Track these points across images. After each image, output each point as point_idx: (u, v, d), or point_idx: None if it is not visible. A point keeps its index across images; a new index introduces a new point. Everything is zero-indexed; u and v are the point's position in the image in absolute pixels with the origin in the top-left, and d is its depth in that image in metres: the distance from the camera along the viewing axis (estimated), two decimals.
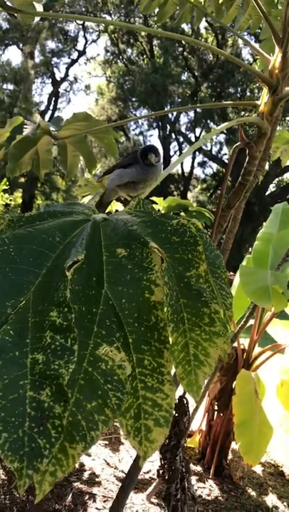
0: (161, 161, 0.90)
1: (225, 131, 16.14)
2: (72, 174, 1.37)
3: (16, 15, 0.90)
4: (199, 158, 16.60)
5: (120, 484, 2.17)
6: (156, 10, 1.92)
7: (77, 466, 2.18)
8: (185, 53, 15.67)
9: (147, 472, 2.27)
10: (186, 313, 0.46)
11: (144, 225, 0.53)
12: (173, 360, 0.44)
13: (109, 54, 16.89)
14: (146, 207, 0.60)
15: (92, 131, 1.18)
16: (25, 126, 1.09)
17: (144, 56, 16.41)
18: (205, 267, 0.50)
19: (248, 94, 15.62)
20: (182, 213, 2.76)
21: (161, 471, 1.11)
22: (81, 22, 15.27)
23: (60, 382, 0.36)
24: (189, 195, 16.47)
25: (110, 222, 0.53)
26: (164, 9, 1.92)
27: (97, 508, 1.90)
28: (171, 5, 1.92)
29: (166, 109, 15.67)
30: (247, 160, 0.99)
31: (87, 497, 1.99)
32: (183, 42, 15.50)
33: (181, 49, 15.68)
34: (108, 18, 15.15)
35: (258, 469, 2.49)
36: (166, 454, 1.11)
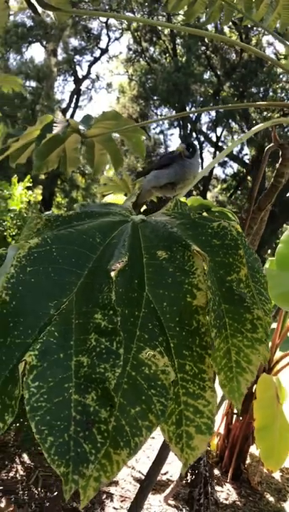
0: (199, 159, 0.88)
1: (246, 131, 16.00)
2: (99, 172, 1.37)
3: (50, 13, 0.90)
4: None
5: (137, 484, 2.17)
6: (184, 9, 1.91)
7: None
8: (208, 52, 15.58)
9: (165, 473, 2.26)
10: (228, 319, 0.46)
11: (184, 227, 0.52)
12: (215, 367, 0.43)
13: (131, 52, 16.89)
14: (184, 208, 0.59)
15: (121, 130, 1.18)
16: (55, 125, 1.09)
17: (167, 55, 16.36)
18: (246, 271, 0.49)
19: (271, 94, 15.46)
20: (204, 213, 2.74)
21: (184, 475, 1.10)
22: (104, 20, 15.31)
23: (107, 387, 0.35)
24: (209, 195, 16.39)
25: (149, 224, 0.53)
26: (193, 8, 1.90)
27: (114, 508, 1.90)
28: (201, 4, 1.90)
29: (187, 108, 15.62)
30: (280, 162, 0.97)
31: (104, 496, 2.00)
32: (206, 40, 15.42)
33: (204, 48, 15.59)
34: (131, 15, 15.14)
35: (276, 475, 2.46)
36: None
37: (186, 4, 1.92)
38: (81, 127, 1.11)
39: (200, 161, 0.89)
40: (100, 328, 0.39)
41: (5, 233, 2.42)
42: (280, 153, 0.95)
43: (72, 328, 0.40)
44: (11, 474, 2.04)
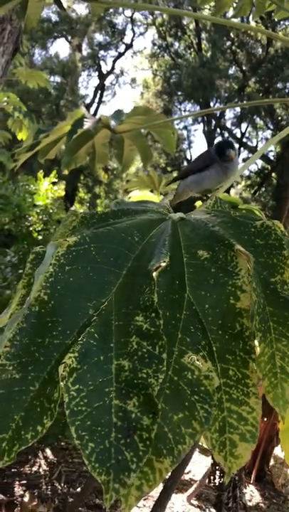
0: (239, 162, 0.84)
1: (272, 127, 15.78)
2: (128, 168, 1.36)
3: (76, 8, 0.88)
4: (244, 154, 16.32)
5: (161, 483, 2.16)
6: (213, 3, 1.87)
7: None
8: (233, 47, 15.39)
9: (187, 473, 2.25)
10: (273, 323, 0.44)
11: (225, 225, 0.50)
12: (259, 372, 0.41)
13: (156, 47, 16.80)
14: (224, 206, 0.57)
15: (152, 125, 1.16)
16: (85, 120, 1.08)
17: (192, 50, 16.23)
18: None
19: None
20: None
21: (212, 477, 1.09)
22: (129, 15, 15.26)
23: (150, 393, 0.34)
24: (232, 191, 16.24)
25: (189, 222, 0.51)
26: (223, 1, 1.87)
27: (137, 506, 1.90)
28: None
29: (211, 103, 15.48)
30: None
31: None
32: (232, 35, 15.24)
33: (229, 43, 15.42)
34: (156, 11, 15.06)
35: None
36: None
37: None
38: (112, 122, 1.09)
39: (239, 162, 0.84)
40: (142, 330, 0.37)
41: (30, 228, 2.43)
42: None
43: (112, 330, 0.38)
44: (34, 469, 2.06)
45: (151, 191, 2.33)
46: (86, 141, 1.19)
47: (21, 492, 1.84)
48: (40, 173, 2.74)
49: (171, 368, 0.38)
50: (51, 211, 2.55)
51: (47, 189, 2.71)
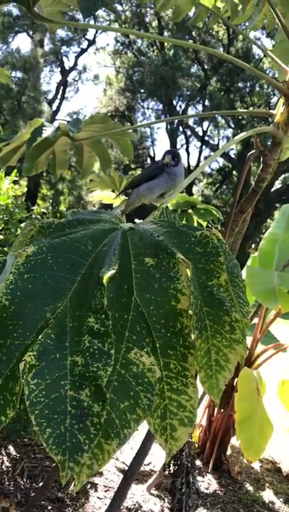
0: (183, 166, 0.91)
1: (233, 126, 16.07)
2: (88, 174, 1.40)
3: (37, 4, 0.92)
4: (206, 152, 16.57)
5: (121, 475, 2.22)
6: (172, 9, 1.93)
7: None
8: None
9: (148, 464, 2.32)
10: (209, 321, 0.50)
11: (169, 235, 0.56)
12: (196, 365, 0.48)
13: (119, 44, 16.80)
14: (170, 216, 0.63)
15: (109, 133, 1.21)
16: (44, 128, 1.12)
17: (154, 48, 16.32)
18: (226, 276, 0.53)
19: (257, 89, 15.55)
20: (190, 210, 2.79)
21: (167, 465, 1.15)
22: None
23: (99, 384, 0.39)
24: (195, 189, 16.46)
25: (137, 232, 0.57)
26: (180, 8, 1.93)
27: (98, 497, 1.95)
28: (187, 4, 1.92)
29: (174, 102, 15.62)
30: (261, 168, 1.02)
31: (89, 486, 2.04)
32: (194, 34, 15.40)
33: (191, 41, 15.56)
34: (119, 7, 15.05)
35: (256, 465, 2.54)
36: None
37: (174, 4, 1.95)
38: (70, 131, 1.13)
39: (185, 167, 0.93)
40: (93, 330, 0.43)
41: None
42: (261, 159, 0.99)
43: (67, 330, 0.44)
44: None
45: (113, 191, 2.37)
46: (46, 148, 1.23)
47: None
48: (1, 173, 2.73)
49: (119, 362, 0.44)
50: (12, 210, 2.56)
51: (8, 188, 2.72)
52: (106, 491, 2.02)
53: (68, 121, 1.22)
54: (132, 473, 1.30)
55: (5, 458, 2.13)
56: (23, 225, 2.69)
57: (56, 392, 0.40)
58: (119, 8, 14.99)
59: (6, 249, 2.27)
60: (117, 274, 0.48)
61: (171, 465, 1.13)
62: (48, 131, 1.03)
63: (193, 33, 15.20)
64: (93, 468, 0.40)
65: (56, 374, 0.41)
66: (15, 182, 3.02)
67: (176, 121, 15.98)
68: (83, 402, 0.39)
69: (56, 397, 0.39)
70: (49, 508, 1.81)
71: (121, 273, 0.49)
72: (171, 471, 1.15)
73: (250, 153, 1.01)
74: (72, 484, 2.03)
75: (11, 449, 2.23)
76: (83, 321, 0.44)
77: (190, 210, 2.76)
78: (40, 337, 0.43)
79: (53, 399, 0.39)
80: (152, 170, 0.93)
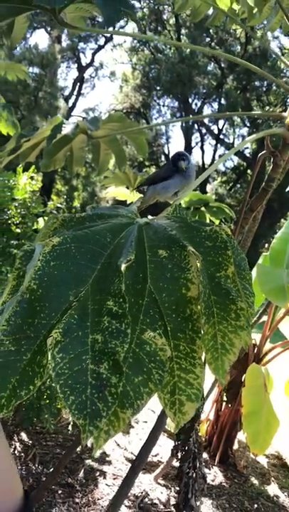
0: (195, 170, 0.97)
1: (249, 125, 16.01)
2: (104, 171, 1.45)
3: None
4: (221, 150, 16.57)
5: (129, 464, 2.28)
6: (190, 9, 1.97)
7: (89, 445, 2.30)
8: (212, 44, 15.53)
9: (156, 455, 2.38)
10: (216, 309, 0.55)
11: (181, 229, 0.61)
12: (204, 347, 0.52)
13: (136, 41, 16.83)
14: (182, 213, 0.68)
15: (126, 132, 1.26)
16: (64, 126, 1.17)
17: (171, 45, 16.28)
18: (233, 269, 0.58)
19: (274, 88, 15.47)
20: (202, 208, 2.83)
21: (175, 451, 1.20)
22: None
23: (117, 358, 0.45)
24: (208, 187, 16.46)
25: (152, 226, 0.62)
26: (198, 10, 1.97)
27: (107, 485, 2.02)
28: (205, 5, 1.96)
29: (190, 99, 15.61)
30: (271, 168, 1.06)
31: (98, 473, 2.11)
32: (211, 32, 15.35)
33: (208, 39, 15.56)
34: (137, 4, 15.07)
35: (262, 460, 2.59)
36: (181, 435, 1.21)
37: (192, 5, 1.99)
38: (89, 128, 1.18)
39: (197, 165, 0.99)
40: (112, 312, 0.48)
41: (9, 221, 2.50)
42: (272, 159, 1.04)
43: (89, 312, 0.49)
44: (10, 451, 2.15)
45: (127, 188, 2.42)
46: (64, 145, 1.28)
47: None
48: (20, 168, 2.80)
49: (134, 342, 0.49)
50: (29, 205, 2.62)
51: (25, 183, 2.78)
52: (114, 478, 2.09)
53: (84, 118, 1.28)
54: (140, 462, 1.35)
55: (17, 444, 2.21)
56: (40, 219, 2.76)
57: (79, 365, 0.45)
58: (137, 5, 15.02)
59: (23, 241, 2.34)
60: (134, 263, 0.53)
61: (179, 452, 1.18)
62: (67, 129, 1.09)
63: (210, 30, 15.16)
64: (110, 434, 0.45)
65: (79, 349, 0.46)
66: (31, 177, 3.09)
67: None
68: (102, 374, 0.44)
69: (79, 370, 0.45)
70: (59, 492, 1.88)
71: (137, 263, 0.54)
72: (178, 456, 1.20)
73: (260, 154, 1.06)
74: (82, 471, 2.10)
75: (24, 435, 2.31)
76: (103, 304, 0.49)
77: (203, 208, 2.80)
78: (64, 317, 0.48)
79: (75, 371, 0.45)
80: (165, 171, 0.99)
